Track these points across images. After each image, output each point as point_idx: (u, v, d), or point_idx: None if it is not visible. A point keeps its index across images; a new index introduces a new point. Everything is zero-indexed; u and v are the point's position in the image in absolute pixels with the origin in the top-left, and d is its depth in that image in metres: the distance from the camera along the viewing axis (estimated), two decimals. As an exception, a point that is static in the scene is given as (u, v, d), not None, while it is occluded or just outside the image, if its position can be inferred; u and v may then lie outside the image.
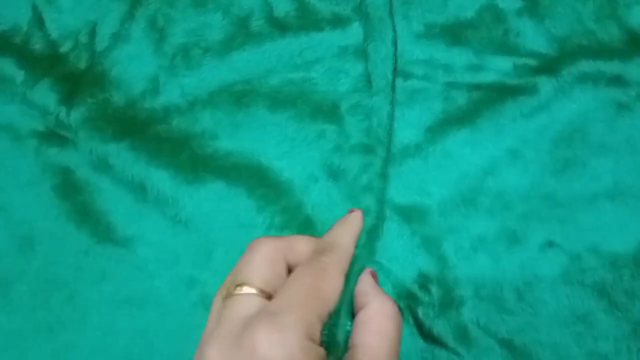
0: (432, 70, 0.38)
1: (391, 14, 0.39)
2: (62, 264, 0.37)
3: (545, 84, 0.37)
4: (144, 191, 0.37)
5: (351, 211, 0.34)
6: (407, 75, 0.38)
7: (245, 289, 0.28)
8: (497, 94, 0.37)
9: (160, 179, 0.37)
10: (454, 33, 0.39)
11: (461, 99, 0.38)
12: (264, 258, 0.29)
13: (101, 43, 0.41)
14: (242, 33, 0.40)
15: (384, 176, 0.36)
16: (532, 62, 0.38)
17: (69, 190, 0.38)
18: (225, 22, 0.41)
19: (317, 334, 0.26)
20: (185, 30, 0.41)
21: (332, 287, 0.29)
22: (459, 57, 0.38)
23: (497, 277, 0.35)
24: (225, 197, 0.37)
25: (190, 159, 0.38)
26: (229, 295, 0.28)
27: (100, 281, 0.37)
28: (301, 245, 0.31)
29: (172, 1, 0.41)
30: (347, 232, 0.33)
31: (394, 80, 0.38)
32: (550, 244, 0.35)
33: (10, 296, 0.37)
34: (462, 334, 0.34)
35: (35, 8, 0.42)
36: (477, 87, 0.38)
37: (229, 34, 0.40)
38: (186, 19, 0.41)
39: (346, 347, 0.30)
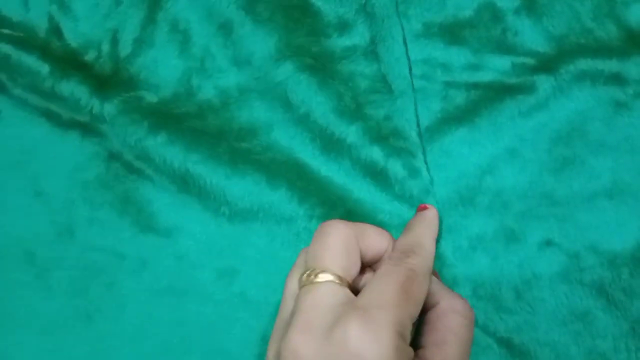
0: (431, 69, 0.38)
1: (398, 12, 0.39)
2: (102, 252, 0.37)
3: (544, 83, 0.37)
4: (185, 183, 0.37)
5: (422, 207, 0.34)
6: (406, 75, 0.39)
7: (326, 276, 0.27)
8: (496, 93, 0.37)
9: (201, 173, 0.37)
10: (452, 32, 0.39)
11: (459, 98, 0.38)
12: (341, 244, 0.29)
13: (124, 49, 0.40)
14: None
15: (432, 182, 0.36)
16: (530, 61, 0.38)
17: (112, 179, 0.38)
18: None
19: (408, 335, 0.26)
20: (207, 31, 0.40)
21: (421, 290, 0.28)
22: (457, 56, 0.38)
23: (495, 276, 0.35)
24: (266, 190, 0.37)
25: (229, 152, 0.37)
26: (308, 282, 0.27)
27: (140, 270, 0.37)
28: (374, 235, 0.30)
29: (191, 2, 0.41)
30: (429, 232, 0.32)
31: (412, 80, 0.38)
32: (549, 243, 0.35)
33: (49, 282, 0.37)
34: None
35: (51, 18, 0.41)
36: (476, 86, 0.38)
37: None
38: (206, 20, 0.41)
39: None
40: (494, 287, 0.35)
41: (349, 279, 0.28)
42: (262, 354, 0.35)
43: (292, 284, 0.29)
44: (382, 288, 0.27)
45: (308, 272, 0.28)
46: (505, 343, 0.34)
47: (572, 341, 0.34)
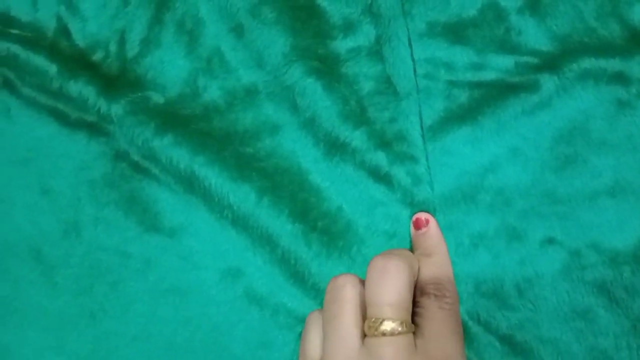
0: (434, 68, 0.38)
1: (404, 13, 0.39)
2: (107, 251, 0.38)
3: (547, 82, 0.37)
4: (191, 185, 0.38)
5: (420, 224, 0.35)
6: (409, 74, 0.39)
7: (398, 326, 0.28)
8: (499, 92, 0.37)
9: (206, 175, 0.37)
10: (455, 31, 0.39)
11: (463, 97, 0.38)
12: (409, 287, 0.29)
13: (132, 50, 0.41)
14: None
15: (432, 189, 0.36)
16: (533, 60, 0.38)
17: (118, 178, 0.39)
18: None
19: None
20: (214, 32, 0.41)
21: (461, 323, 0.31)
22: (461, 55, 0.38)
23: (497, 273, 0.35)
24: (269, 199, 0.37)
25: (234, 157, 0.38)
26: (380, 333, 0.28)
27: (144, 270, 0.37)
28: (416, 265, 0.32)
29: (198, 3, 0.41)
30: (449, 257, 0.34)
31: (416, 82, 0.38)
32: (551, 241, 0.35)
33: (54, 279, 0.37)
34: (462, 330, 0.34)
35: (59, 18, 0.42)
36: (479, 85, 0.38)
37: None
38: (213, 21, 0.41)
39: None
40: (496, 285, 0.35)
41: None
42: (264, 355, 0.35)
43: (350, 332, 0.29)
44: (445, 336, 0.29)
45: (380, 320, 0.28)
46: (508, 340, 0.34)
47: (574, 339, 0.34)
